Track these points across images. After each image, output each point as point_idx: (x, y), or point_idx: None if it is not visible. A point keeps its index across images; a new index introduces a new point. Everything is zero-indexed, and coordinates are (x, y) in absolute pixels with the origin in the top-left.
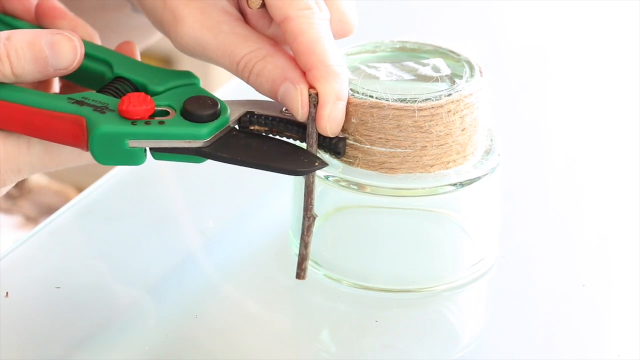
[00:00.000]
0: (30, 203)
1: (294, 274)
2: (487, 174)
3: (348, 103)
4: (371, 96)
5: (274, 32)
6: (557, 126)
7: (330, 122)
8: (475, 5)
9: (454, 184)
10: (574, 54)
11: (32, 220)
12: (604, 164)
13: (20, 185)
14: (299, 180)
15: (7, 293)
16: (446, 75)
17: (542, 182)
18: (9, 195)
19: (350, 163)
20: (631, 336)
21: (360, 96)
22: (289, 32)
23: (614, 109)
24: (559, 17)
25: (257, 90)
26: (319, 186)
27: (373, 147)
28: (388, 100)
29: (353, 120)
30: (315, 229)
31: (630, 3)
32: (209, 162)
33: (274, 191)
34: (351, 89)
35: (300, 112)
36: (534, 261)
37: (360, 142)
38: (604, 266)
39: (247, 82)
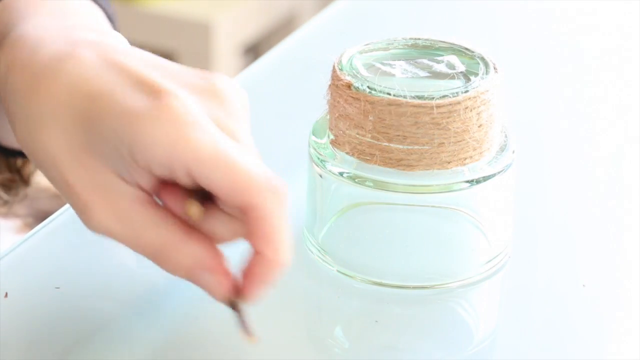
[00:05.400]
0: (27, 208)
1: (307, 272)
2: (501, 170)
3: (366, 101)
4: (389, 93)
5: None
6: (569, 123)
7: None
8: (485, 1)
9: (469, 181)
10: (589, 49)
11: (29, 226)
12: (613, 162)
13: (15, 192)
14: (314, 176)
15: (6, 294)
16: (461, 72)
17: (554, 179)
18: (4, 201)
19: (367, 161)
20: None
21: (378, 93)
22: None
23: (627, 109)
24: (574, 13)
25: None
26: (333, 183)
27: (391, 145)
28: (406, 98)
29: (370, 118)
30: (329, 225)
31: None
32: None
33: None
34: (368, 87)
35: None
36: (547, 259)
37: (378, 140)
38: (623, 265)
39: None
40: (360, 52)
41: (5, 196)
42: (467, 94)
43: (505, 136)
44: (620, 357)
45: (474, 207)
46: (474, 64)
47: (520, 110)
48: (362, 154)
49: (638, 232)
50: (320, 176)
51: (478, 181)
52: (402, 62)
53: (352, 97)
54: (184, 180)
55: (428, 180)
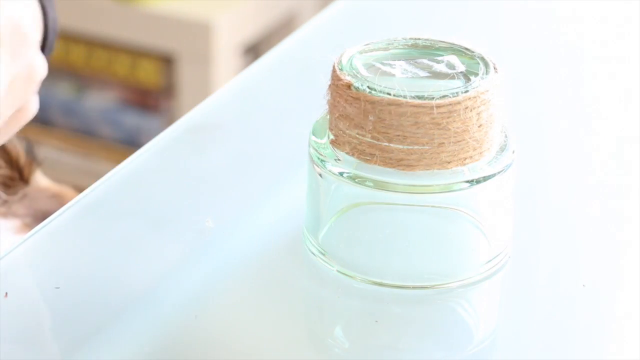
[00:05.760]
0: (26, 208)
1: (307, 272)
2: (501, 170)
3: (366, 101)
4: (389, 93)
5: None
6: (569, 123)
7: None
8: (485, 1)
9: (469, 181)
10: (589, 49)
11: (28, 226)
12: (613, 162)
13: (14, 190)
14: (314, 176)
15: (6, 294)
16: (461, 72)
17: (554, 179)
18: (3, 201)
19: (367, 161)
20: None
21: (378, 93)
22: None
23: (627, 109)
24: (574, 13)
25: None
26: (333, 183)
27: (391, 145)
28: (406, 97)
29: (370, 118)
30: (329, 225)
31: None
32: (212, 161)
33: (283, 187)
34: (368, 87)
35: None
36: (547, 259)
37: (378, 140)
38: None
39: None
40: (360, 52)
41: (4, 195)
42: (467, 94)
43: (505, 136)
44: (620, 357)
45: (474, 207)
46: (474, 64)
47: (520, 110)
48: (362, 154)
49: (638, 232)
50: (320, 176)
51: (478, 181)
52: (402, 62)
53: (352, 97)
54: None
55: (428, 180)
